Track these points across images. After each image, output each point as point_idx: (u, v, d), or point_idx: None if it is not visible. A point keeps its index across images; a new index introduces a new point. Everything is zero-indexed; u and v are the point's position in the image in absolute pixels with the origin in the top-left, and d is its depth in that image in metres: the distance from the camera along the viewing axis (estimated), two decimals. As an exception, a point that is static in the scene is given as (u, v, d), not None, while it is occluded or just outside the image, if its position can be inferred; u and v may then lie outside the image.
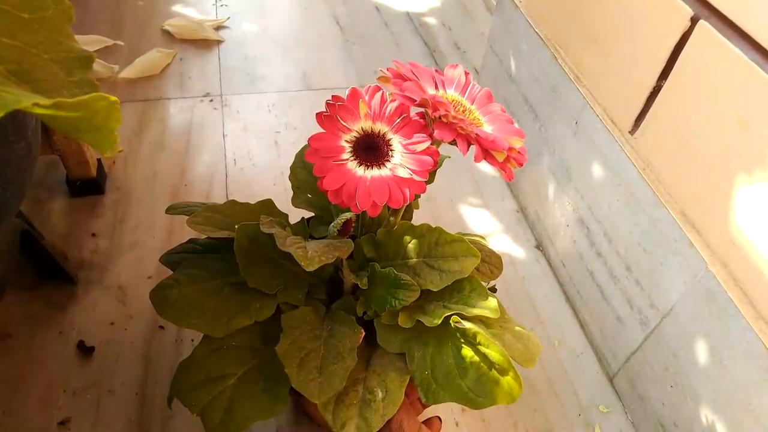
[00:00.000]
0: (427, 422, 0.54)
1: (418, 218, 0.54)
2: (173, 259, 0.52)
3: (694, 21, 0.54)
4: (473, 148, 0.40)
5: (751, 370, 0.50)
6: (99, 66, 1.03)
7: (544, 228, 0.84)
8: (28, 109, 0.24)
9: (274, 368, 0.46)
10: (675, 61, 0.57)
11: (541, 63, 0.80)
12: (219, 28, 1.19)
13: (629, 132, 0.64)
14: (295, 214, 0.56)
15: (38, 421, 0.61)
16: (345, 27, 1.24)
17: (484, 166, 0.96)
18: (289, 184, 0.57)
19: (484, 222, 0.88)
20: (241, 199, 0.56)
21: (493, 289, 0.56)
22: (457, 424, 0.66)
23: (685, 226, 0.57)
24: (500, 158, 0.40)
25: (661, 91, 0.59)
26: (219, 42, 1.15)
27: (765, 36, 0.47)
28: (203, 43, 1.14)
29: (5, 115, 0.23)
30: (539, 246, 0.85)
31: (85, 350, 0.67)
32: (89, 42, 1.09)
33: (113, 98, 0.26)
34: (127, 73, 1.04)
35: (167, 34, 1.15)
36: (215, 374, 0.47)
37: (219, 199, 0.86)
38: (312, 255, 0.42)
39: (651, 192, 0.60)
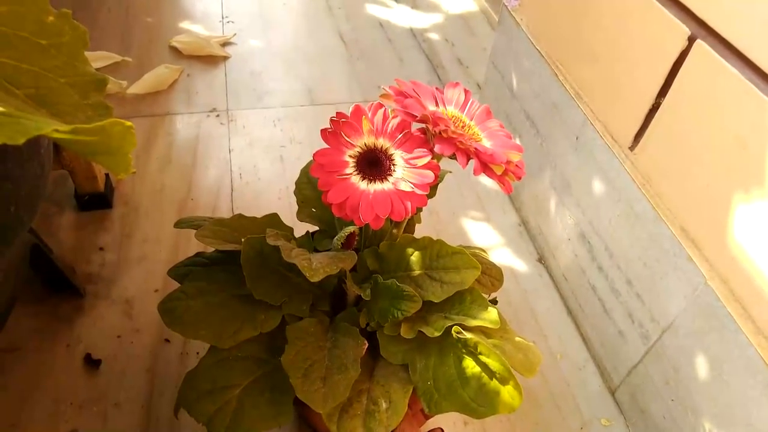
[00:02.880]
0: (430, 434, 0.55)
1: (421, 232, 0.54)
2: (181, 272, 0.53)
3: (691, 40, 0.55)
4: (473, 162, 0.41)
5: (751, 385, 0.51)
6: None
7: (546, 242, 0.84)
8: (49, 134, 0.25)
9: (279, 379, 0.47)
10: (673, 79, 0.58)
11: (542, 79, 0.81)
12: (225, 44, 1.21)
13: (629, 148, 0.65)
14: (300, 228, 0.57)
15: (45, 433, 0.62)
16: (349, 43, 1.25)
17: (486, 181, 0.97)
18: (293, 198, 0.58)
19: (486, 235, 0.89)
20: (246, 213, 0.57)
21: (494, 301, 0.56)
22: (459, 437, 0.66)
23: (684, 241, 0.58)
24: (498, 171, 0.42)
25: (660, 109, 0.60)
26: (225, 58, 1.17)
27: (760, 56, 0.48)
28: (210, 59, 1.16)
29: None
30: (541, 259, 0.86)
31: (91, 363, 0.68)
32: (98, 58, 1.10)
33: (129, 123, 0.26)
34: (136, 88, 1.06)
35: (175, 50, 1.17)
36: (221, 384, 0.47)
37: (225, 212, 0.87)
38: (316, 266, 0.43)
39: (650, 207, 0.61)
